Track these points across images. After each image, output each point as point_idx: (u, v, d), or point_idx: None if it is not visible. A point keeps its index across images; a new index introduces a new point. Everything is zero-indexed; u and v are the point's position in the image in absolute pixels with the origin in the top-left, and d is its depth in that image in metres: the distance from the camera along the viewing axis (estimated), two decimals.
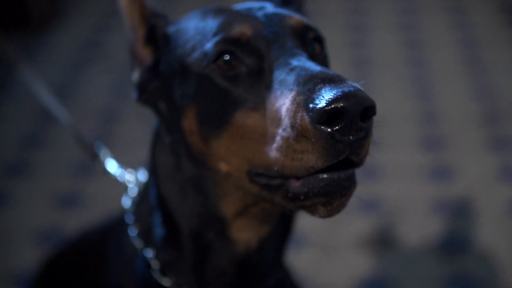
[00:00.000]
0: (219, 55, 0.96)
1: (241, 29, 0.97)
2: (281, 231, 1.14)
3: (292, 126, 0.86)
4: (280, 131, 0.88)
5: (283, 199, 0.93)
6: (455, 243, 2.42)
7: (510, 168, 2.77)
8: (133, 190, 1.27)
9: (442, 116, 3.14)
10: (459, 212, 2.56)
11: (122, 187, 2.00)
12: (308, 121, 0.84)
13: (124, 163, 1.47)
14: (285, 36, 0.98)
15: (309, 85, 0.86)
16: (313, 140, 0.84)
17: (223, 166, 0.98)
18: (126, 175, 1.34)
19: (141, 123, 3.00)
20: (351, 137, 0.85)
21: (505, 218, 2.53)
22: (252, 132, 0.92)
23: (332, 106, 0.82)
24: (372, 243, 2.43)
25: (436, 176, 2.74)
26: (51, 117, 3.17)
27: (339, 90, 0.83)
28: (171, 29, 1.09)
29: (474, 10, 4.17)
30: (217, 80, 0.95)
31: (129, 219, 1.20)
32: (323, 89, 0.84)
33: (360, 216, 2.54)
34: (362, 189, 2.89)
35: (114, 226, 1.32)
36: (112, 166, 1.39)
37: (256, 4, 1.06)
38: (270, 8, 1.04)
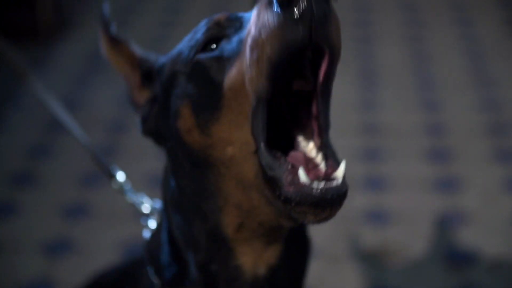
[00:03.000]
0: (206, 42, 1.00)
1: (218, 16, 1.03)
2: (293, 260, 1.11)
3: (256, 26, 0.89)
4: (249, 37, 0.90)
5: (274, 198, 0.92)
6: (461, 255, 2.42)
7: None
8: (151, 222, 1.28)
9: (448, 127, 3.15)
10: (465, 224, 2.55)
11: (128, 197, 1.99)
12: (271, 14, 0.87)
13: (130, 173, 1.48)
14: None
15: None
16: (275, 26, 0.86)
17: (229, 150, 0.97)
18: (143, 202, 1.34)
19: None
20: (310, 12, 0.86)
21: (511, 229, 2.53)
22: (242, 86, 0.93)
23: None
24: (378, 254, 2.43)
25: (442, 188, 2.74)
26: (58, 127, 3.19)
27: None
28: (162, 60, 1.13)
29: (480, 22, 4.17)
30: (206, 63, 0.98)
31: (146, 254, 1.19)
32: None
33: (366, 227, 2.54)
34: (368, 200, 2.90)
35: (131, 266, 1.31)
36: (127, 188, 1.39)
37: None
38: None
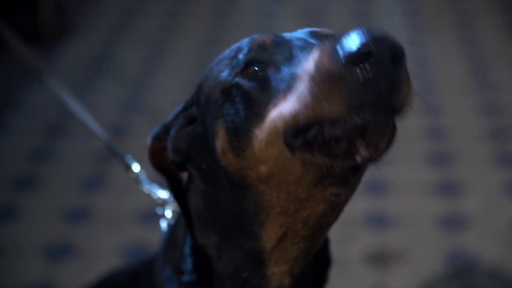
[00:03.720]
0: (247, 64, 0.97)
1: (264, 37, 0.99)
2: (315, 272, 1.13)
3: (318, 68, 0.83)
4: (305, 77, 0.85)
5: (324, 155, 0.87)
6: (462, 258, 2.42)
7: None
8: (169, 214, 1.29)
9: (449, 131, 3.15)
10: (466, 227, 2.55)
11: (130, 200, 2.01)
12: (337, 63, 0.80)
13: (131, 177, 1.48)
14: (309, 37, 0.98)
15: (334, 40, 0.84)
16: (339, 81, 0.80)
17: (263, 167, 0.95)
18: (159, 193, 1.35)
19: None
20: (381, 80, 0.80)
21: None
22: (282, 106, 0.89)
23: (363, 46, 0.79)
24: (380, 258, 2.43)
25: (443, 191, 2.74)
26: (59, 131, 3.20)
27: (369, 34, 0.80)
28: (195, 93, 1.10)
29: (481, 26, 4.18)
30: (246, 85, 0.95)
31: (162, 248, 1.20)
32: (351, 33, 0.81)
33: (368, 230, 2.55)
34: (370, 204, 2.91)
35: (145, 266, 1.31)
36: (143, 179, 1.40)
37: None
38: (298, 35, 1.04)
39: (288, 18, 4.31)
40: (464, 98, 3.43)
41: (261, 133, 0.93)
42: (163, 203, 1.33)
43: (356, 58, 0.79)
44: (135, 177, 1.41)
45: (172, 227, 1.20)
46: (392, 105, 0.84)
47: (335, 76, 0.80)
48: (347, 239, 2.50)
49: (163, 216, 1.30)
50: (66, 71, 3.75)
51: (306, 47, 0.94)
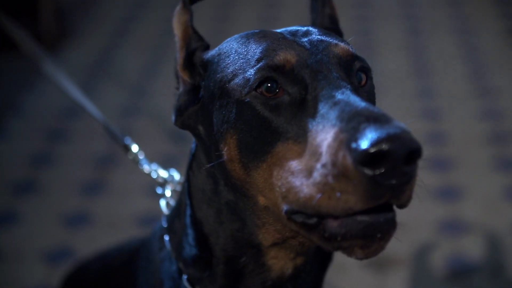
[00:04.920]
0: (261, 82, 0.93)
1: (285, 56, 0.94)
2: (318, 260, 1.12)
3: (333, 164, 0.83)
4: (319, 166, 0.84)
5: (319, 239, 0.89)
6: (461, 262, 2.42)
7: None
8: (169, 193, 1.29)
9: (448, 136, 3.15)
10: (466, 232, 2.56)
11: (130, 205, 2.02)
12: (350, 162, 0.81)
13: (133, 180, 1.49)
14: (330, 65, 0.95)
15: (353, 123, 0.83)
16: (354, 181, 0.81)
17: (261, 200, 0.96)
18: (158, 172, 1.35)
19: (152, 142, 3.02)
20: (394, 181, 0.82)
21: None
22: (291, 165, 0.89)
23: (376, 148, 0.79)
24: (379, 262, 2.43)
25: (443, 196, 2.75)
26: (59, 135, 3.20)
27: (384, 131, 0.80)
28: (210, 54, 1.07)
29: (480, 32, 4.19)
30: (258, 108, 0.93)
31: (164, 223, 1.19)
32: (368, 129, 0.81)
33: None
34: None
35: (144, 243, 1.31)
36: (142, 159, 1.41)
37: (302, 29, 1.04)
38: (315, 34, 1.01)
39: (290, 24, 4.31)
40: (464, 103, 3.43)
41: (268, 176, 0.92)
42: (164, 183, 1.33)
43: (369, 159, 0.80)
44: (134, 158, 1.41)
45: (179, 200, 1.19)
46: (396, 203, 0.87)
47: (349, 175, 0.81)
48: None
49: (162, 195, 1.30)
50: (67, 75, 3.76)
51: (324, 71, 0.93)
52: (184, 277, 1.12)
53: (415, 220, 2.63)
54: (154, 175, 1.36)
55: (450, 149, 3.06)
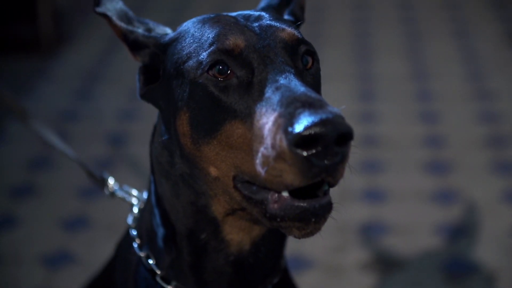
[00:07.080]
0: (212, 64, 1.00)
1: (235, 41, 1.02)
2: (275, 234, 1.17)
3: (272, 146, 0.91)
4: (262, 148, 0.93)
5: (261, 216, 0.98)
6: (459, 265, 2.42)
7: None
8: (136, 208, 1.32)
9: (446, 139, 3.16)
10: (464, 235, 2.56)
11: (127, 208, 1.99)
12: (286, 144, 0.89)
13: (130, 184, 1.50)
14: (276, 49, 1.02)
15: (290, 108, 0.91)
16: (290, 162, 0.90)
17: (213, 171, 1.03)
18: (132, 194, 1.39)
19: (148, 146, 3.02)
20: (326, 161, 0.90)
21: (510, 241, 2.53)
22: (239, 143, 0.97)
23: (308, 132, 0.87)
24: (377, 265, 2.43)
25: (441, 199, 2.75)
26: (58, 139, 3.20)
27: (317, 116, 0.88)
28: (169, 37, 1.14)
29: (478, 34, 4.20)
30: (209, 89, 1.00)
31: (133, 232, 1.24)
32: (302, 114, 0.89)
33: (365, 238, 2.55)
34: (367, 212, 2.90)
35: (121, 244, 1.34)
36: (117, 188, 1.44)
37: (254, 14, 1.11)
38: (266, 19, 1.08)
39: None
40: (462, 105, 3.44)
41: (219, 150, 1.00)
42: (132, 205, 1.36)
43: (303, 141, 0.88)
44: (111, 190, 1.45)
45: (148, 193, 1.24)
46: (332, 181, 0.94)
47: (285, 156, 0.90)
48: (344, 247, 2.50)
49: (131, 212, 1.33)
50: (65, 80, 3.76)
51: (270, 55, 1.00)
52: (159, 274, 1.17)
53: (413, 223, 2.63)
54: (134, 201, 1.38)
55: (448, 152, 3.06)
